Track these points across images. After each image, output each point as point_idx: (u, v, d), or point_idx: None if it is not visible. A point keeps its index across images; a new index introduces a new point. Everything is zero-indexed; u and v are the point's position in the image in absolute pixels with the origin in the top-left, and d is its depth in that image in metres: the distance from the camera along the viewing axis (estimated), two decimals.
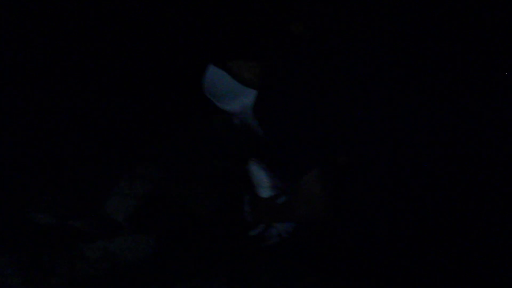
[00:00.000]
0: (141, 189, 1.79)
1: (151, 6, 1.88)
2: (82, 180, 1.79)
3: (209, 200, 1.82)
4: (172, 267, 1.58)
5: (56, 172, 1.78)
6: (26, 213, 1.63)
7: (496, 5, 1.14)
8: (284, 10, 1.42)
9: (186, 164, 1.96)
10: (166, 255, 1.62)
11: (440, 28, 1.16)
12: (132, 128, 1.95)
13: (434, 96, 1.08)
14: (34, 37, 1.75)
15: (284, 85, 1.20)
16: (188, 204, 1.81)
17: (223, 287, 1.49)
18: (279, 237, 1.48)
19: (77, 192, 1.75)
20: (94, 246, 1.55)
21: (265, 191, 1.45)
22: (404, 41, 1.14)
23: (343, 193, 1.16)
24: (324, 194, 1.12)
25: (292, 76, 1.20)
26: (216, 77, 1.34)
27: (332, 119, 1.13)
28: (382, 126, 1.09)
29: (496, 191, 1.03)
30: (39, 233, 1.57)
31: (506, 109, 1.04)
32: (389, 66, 1.13)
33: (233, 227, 1.67)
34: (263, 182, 1.44)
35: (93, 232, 1.62)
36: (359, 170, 1.13)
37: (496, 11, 1.14)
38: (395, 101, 1.09)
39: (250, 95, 1.30)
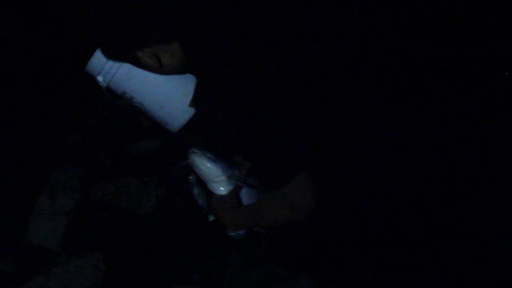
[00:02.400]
0: (66, 202, 1.51)
1: None
2: None
3: (143, 201, 1.60)
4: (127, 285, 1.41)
5: None
6: None
7: (496, 5, 1.06)
8: None
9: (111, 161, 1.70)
10: (118, 272, 1.43)
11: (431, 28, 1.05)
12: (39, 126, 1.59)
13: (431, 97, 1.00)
14: None
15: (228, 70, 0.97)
16: (123, 207, 1.59)
17: None
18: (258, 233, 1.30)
19: None
20: None
21: (219, 186, 1.18)
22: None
23: (333, 194, 1.05)
24: (316, 197, 1.02)
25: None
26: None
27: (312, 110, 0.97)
28: (369, 124, 0.99)
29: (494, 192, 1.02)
30: None
31: (506, 109, 1.01)
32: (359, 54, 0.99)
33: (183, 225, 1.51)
34: (215, 176, 1.17)
35: (23, 271, 1.35)
36: (348, 169, 1.02)
37: (496, 11, 1.05)
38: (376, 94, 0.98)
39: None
